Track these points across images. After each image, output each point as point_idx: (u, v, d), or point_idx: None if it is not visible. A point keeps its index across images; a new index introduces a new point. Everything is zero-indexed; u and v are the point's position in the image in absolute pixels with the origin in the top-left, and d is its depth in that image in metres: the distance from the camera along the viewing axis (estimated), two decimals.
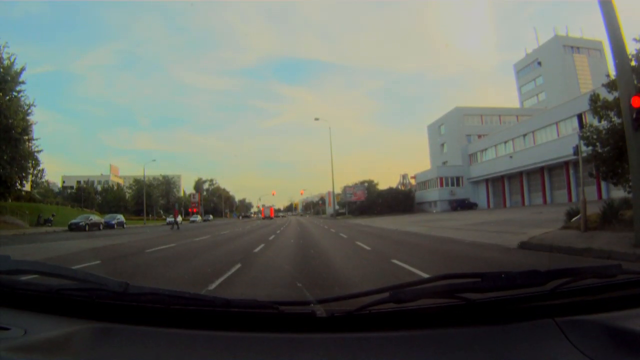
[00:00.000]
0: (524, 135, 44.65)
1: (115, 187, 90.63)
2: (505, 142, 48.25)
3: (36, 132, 38.01)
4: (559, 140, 37.78)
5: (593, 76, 63.22)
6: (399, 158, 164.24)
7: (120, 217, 42.77)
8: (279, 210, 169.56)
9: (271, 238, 16.37)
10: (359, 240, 13.91)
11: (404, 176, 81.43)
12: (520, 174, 45.56)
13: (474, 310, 1.17)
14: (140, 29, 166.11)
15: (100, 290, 1.28)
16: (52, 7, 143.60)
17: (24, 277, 1.42)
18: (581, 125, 35.32)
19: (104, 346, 1.13)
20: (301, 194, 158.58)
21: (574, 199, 36.39)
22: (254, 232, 23.15)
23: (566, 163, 37.59)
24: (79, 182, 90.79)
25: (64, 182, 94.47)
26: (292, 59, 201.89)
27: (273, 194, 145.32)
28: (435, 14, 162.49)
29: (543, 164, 40.98)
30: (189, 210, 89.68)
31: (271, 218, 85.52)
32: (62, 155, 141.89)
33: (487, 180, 52.70)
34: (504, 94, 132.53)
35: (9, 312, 1.26)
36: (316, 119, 65.89)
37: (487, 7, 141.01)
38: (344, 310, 1.17)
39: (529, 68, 72.12)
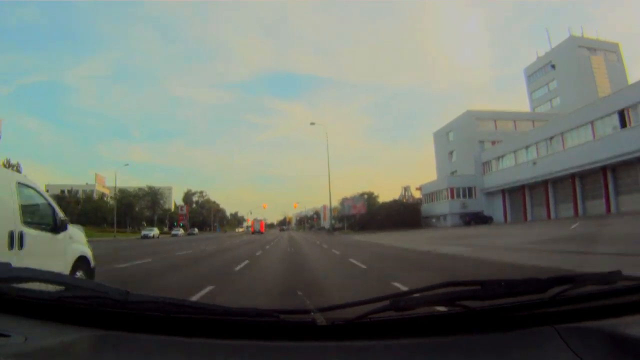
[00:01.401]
0: (551, 138, 38.89)
1: (98, 198, 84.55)
2: (527, 147, 42.16)
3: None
4: (595, 142, 32.77)
5: (611, 79, 58.58)
6: (396, 172, 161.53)
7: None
8: (271, 225, 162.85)
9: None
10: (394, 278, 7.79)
11: (406, 188, 76.30)
12: (546, 182, 39.42)
13: (474, 318, 1.16)
14: (135, 40, 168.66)
15: (100, 298, 1.28)
16: (46, 16, 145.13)
17: (25, 285, 1.39)
18: (623, 123, 30.16)
19: (104, 354, 1.15)
20: (294, 207, 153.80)
21: (612, 209, 30.85)
22: (230, 253, 18.24)
23: (603, 168, 32.18)
24: (62, 191, 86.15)
25: (47, 190, 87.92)
26: (286, 74, 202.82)
27: (264, 207, 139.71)
28: (429, 28, 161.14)
29: (574, 171, 35.23)
30: (177, 223, 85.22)
31: (261, 233, 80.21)
32: (56, 166, 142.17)
33: (503, 191, 46.51)
34: (503, 106, 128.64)
35: (9, 319, 1.27)
36: (312, 124, 60.46)
37: (481, 22, 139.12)
38: (344, 319, 1.16)
39: (542, 72, 68.35)
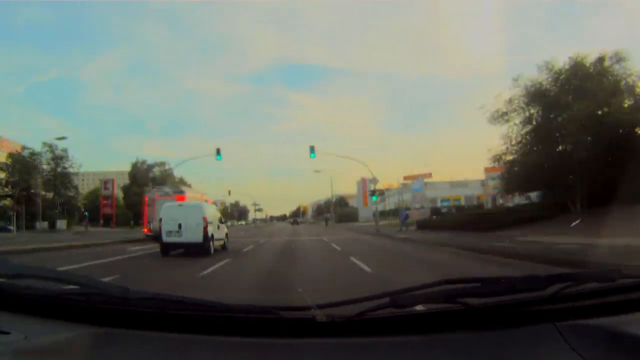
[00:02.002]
0: None
1: None
2: None
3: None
4: None
5: None
6: (409, 161, 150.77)
7: None
8: (283, 218, 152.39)
9: None
10: None
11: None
12: None
13: (474, 315, 1.17)
14: (147, 36, 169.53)
15: (100, 295, 1.29)
16: (59, 14, 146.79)
17: (25, 282, 1.39)
18: None
19: (104, 351, 1.15)
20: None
21: None
22: None
23: None
24: None
25: None
26: (300, 65, 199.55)
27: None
28: (442, 16, 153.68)
29: None
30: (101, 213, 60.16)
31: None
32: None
33: None
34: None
35: (10, 317, 1.28)
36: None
37: (495, 9, 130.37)
38: (344, 316, 1.16)
39: None
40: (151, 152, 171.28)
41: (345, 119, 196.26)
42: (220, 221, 16.59)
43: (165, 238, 13.90)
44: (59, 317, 1.27)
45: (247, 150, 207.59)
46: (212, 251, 14.23)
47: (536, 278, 1.16)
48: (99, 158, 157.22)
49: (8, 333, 1.15)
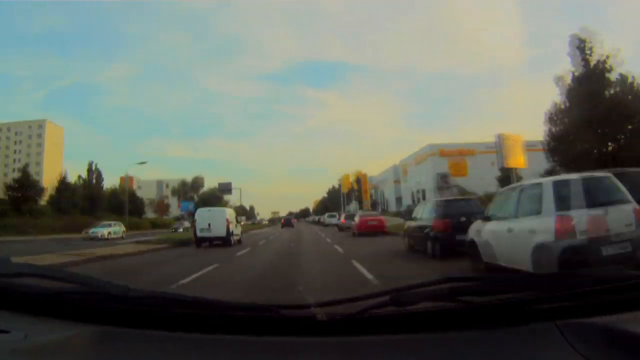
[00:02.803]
0: None
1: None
2: None
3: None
4: None
5: None
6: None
7: None
8: (303, 214, 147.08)
9: None
10: None
11: None
12: None
13: (475, 313, 1.17)
14: (165, 38, 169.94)
15: (100, 294, 1.29)
16: (73, 20, 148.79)
17: (25, 280, 1.39)
18: None
19: (104, 350, 1.16)
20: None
21: None
22: None
23: None
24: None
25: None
26: (318, 62, 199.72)
27: None
28: (460, 8, 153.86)
29: None
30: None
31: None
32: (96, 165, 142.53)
33: None
34: (538, 90, 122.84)
35: (9, 315, 1.27)
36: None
37: (513, 2, 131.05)
38: (344, 314, 1.16)
39: None
40: (174, 154, 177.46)
41: (365, 116, 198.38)
42: (237, 221, 22.76)
43: (199, 234, 19.80)
44: (58, 316, 1.27)
45: (269, 150, 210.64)
46: (232, 243, 20.05)
47: (537, 276, 1.21)
48: (123, 161, 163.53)
49: (8, 332, 1.15)
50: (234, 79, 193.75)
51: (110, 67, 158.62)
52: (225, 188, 76.16)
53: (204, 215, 20.28)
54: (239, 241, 21.80)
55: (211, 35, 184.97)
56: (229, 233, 19.86)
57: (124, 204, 50.85)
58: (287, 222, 59.22)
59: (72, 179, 63.67)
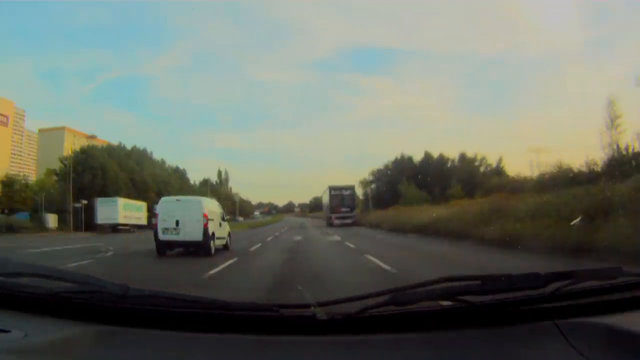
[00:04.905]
0: None
1: None
2: None
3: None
4: None
5: None
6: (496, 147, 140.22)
7: None
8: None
9: None
10: None
11: None
12: None
13: (475, 312, 1.17)
14: (211, 28, 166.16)
15: (100, 293, 1.28)
16: (120, 12, 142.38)
17: (25, 280, 1.39)
18: None
19: (104, 349, 1.15)
20: None
21: None
22: None
23: None
24: None
25: None
26: (367, 49, 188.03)
27: None
28: None
29: None
30: None
31: None
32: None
33: None
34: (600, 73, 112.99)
35: (9, 315, 1.27)
36: None
37: None
38: (345, 313, 1.16)
39: None
40: (222, 145, 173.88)
41: (417, 103, 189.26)
42: (222, 218, 14.80)
43: (162, 235, 12.50)
44: (58, 315, 1.27)
45: (322, 140, 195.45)
46: (213, 251, 12.82)
47: (537, 276, 1.15)
48: (174, 150, 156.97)
49: (8, 331, 1.15)
50: (282, 68, 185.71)
51: (153, 58, 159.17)
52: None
53: (169, 208, 12.86)
54: (225, 246, 14.61)
55: (255, 23, 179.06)
56: (208, 236, 12.54)
57: None
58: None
59: None
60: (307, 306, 1.19)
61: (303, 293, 3.96)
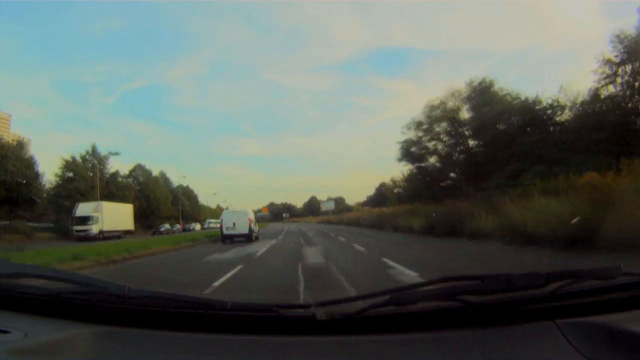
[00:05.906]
0: None
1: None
2: None
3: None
4: None
5: None
6: None
7: None
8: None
9: None
10: None
11: None
12: None
13: (474, 312, 1.17)
14: (227, 35, 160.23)
15: (100, 294, 1.29)
16: (135, 23, 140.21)
17: (25, 281, 1.40)
18: None
19: (104, 349, 1.16)
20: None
21: None
22: None
23: None
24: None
25: None
26: (387, 50, 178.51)
27: None
28: None
29: None
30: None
31: None
32: (172, 166, 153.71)
33: None
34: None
35: (10, 316, 1.28)
36: None
37: None
38: (344, 313, 1.17)
39: None
40: (245, 152, 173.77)
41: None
42: (256, 221, 27.36)
43: (225, 232, 23.51)
44: (58, 316, 1.28)
45: (345, 144, 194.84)
46: (254, 239, 23.71)
47: (536, 275, 1.15)
48: (198, 160, 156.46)
49: (8, 332, 1.15)
50: (301, 72, 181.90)
51: (171, 68, 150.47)
52: None
53: (229, 216, 24.36)
54: (257, 237, 25.61)
55: (272, 28, 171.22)
56: (251, 231, 23.87)
57: None
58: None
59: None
60: (306, 306, 1.20)
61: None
